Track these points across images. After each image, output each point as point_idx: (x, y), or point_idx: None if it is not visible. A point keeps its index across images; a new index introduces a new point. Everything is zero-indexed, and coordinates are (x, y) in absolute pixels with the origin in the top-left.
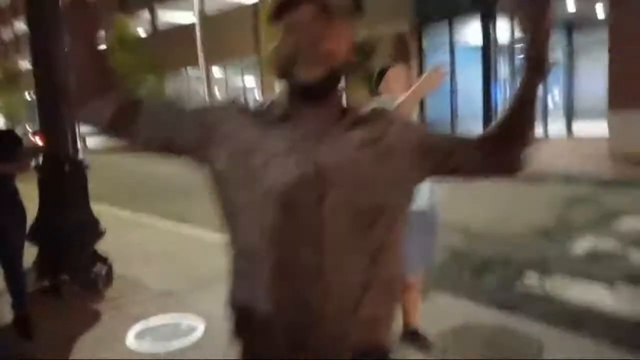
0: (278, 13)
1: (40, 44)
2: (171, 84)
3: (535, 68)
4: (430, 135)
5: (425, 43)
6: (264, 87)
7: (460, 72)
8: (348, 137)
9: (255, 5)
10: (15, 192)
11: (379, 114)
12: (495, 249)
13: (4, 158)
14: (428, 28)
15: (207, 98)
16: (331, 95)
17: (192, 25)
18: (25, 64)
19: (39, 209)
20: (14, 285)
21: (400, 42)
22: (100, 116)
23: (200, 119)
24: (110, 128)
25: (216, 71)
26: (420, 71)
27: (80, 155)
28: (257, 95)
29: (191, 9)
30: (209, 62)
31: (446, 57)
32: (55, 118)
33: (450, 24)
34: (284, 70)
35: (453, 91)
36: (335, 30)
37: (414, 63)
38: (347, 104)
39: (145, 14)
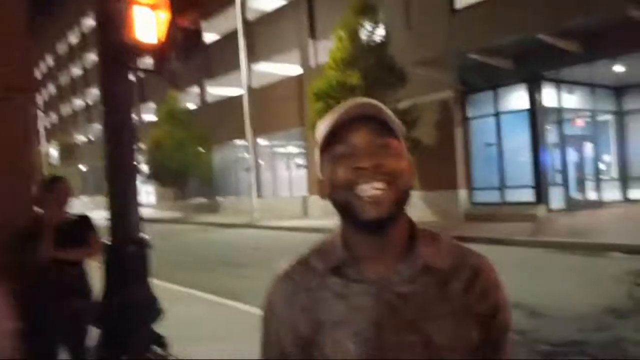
0: (330, 140)
1: (112, 120)
2: (218, 154)
3: None
4: (496, 326)
5: (469, 111)
6: (308, 154)
7: (506, 139)
8: (416, 289)
9: (300, 76)
10: (85, 275)
11: (461, 251)
12: (565, 331)
13: (77, 244)
14: (472, 96)
15: (254, 165)
16: (396, 224)
17: (240, 98)
18: (80, 138)
19: (105, 290)
20: None
21: (443, 111)
22: None
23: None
24: None
25: (261, 140)
26: (465, 140)
27: (142, 234)
28: (302, 161)
29: (239, 83)
30: (256, 134)
31: (491, 125)
32: (123, 196)
33: (495, 91)
34: (341, 203)
35: (500, 159)
36: (393, 149)
37: (457, 131)
38: (414, 227)
39: (195, 89)
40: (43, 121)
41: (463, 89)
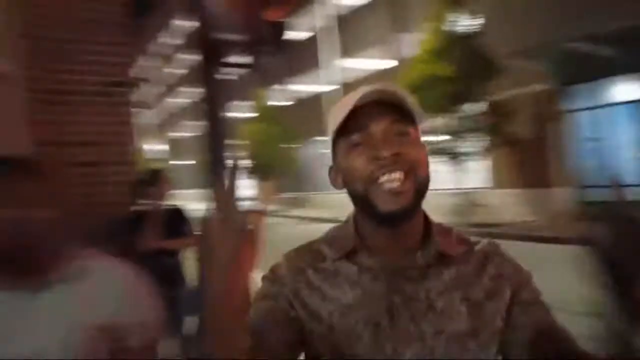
0: (345, 126)
1: (210, 115)
2: (307, 150)
3: None
4: (530, 302)
5: (570, 104)
6: None
7: (611, 133)
8: (430, 276)
9: (389, 70)
10: (180, 265)
11: (469, 241)
12: None
13: (174, 234)
14: (572, 88)
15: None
16: (414, 216)
17: (328, 95)
18: (186, 133)
19: (201, 280)
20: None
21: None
22: None
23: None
24: None
25: None
26: (565, 135)
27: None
28: None
29: (326, 80)
30: None
31: (594, 118)
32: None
33: (598, 82)
34: (359, 194)
35: (603, 155)
36: (413, 138)
37: (557, 125)
38: (428, 220)
39: (284, 86)
40: (150, 117)
41: (562, 80)
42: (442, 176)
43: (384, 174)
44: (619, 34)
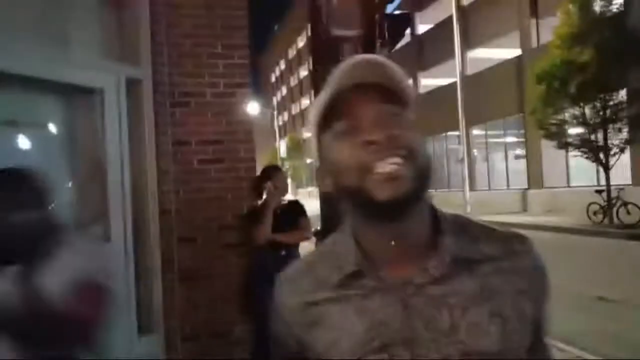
0: (328, 116)
1: None
2: (431, 146)
3: None
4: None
5: None
6: (528, 144)
7: None
8: (450, 289)
9: (519, 59)
10: (297, 258)
11: (498, 236)
12: None
13: (292, 227)
14: None
15: (465, 159)
16: (415, 210)
17: (453, 87)
18: (307, 134)
19: None
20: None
21: None
22: None
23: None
24: None
25: (476, 129)
26: None
27: None
28: (521, 151)
29: (452, 72)
30: (470, 123)
31: None
32: None
33: None
34: (352, 188)
35: None
36: (406, 118)
37: None
38: (437, 216)
39: (409, 81)
40: (276, 120)
41: None
42: (579, 172)
43: (378, 160)
44: None
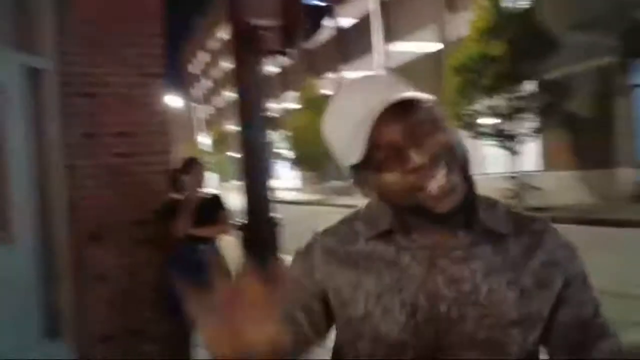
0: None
1: (244, 104)
2: None
3: None
4: (574, 287)
5: (635, 78)
6: None
7: None
8: (475, 256)
9: (437, 53)
10: (216, 252)
11: (522, 219)
12: None
13: (210, 221)
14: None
15: None
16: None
17: None
18: (230, 127)
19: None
20: None
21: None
22: None
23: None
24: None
25: None
26: (630, 112)
27: (274, 214)
28: None
29: (374, 66)
30: None
31: None
32: (256, 179)
33: None
34: (406, 202)
35: None
36: (431, 117)
37: (620, 102)
38: (472, 193)
39: (331, 75)
40: (200, 113)
41: (627, 53)
42: (493, 159)
43: (429, 179)
44: None
